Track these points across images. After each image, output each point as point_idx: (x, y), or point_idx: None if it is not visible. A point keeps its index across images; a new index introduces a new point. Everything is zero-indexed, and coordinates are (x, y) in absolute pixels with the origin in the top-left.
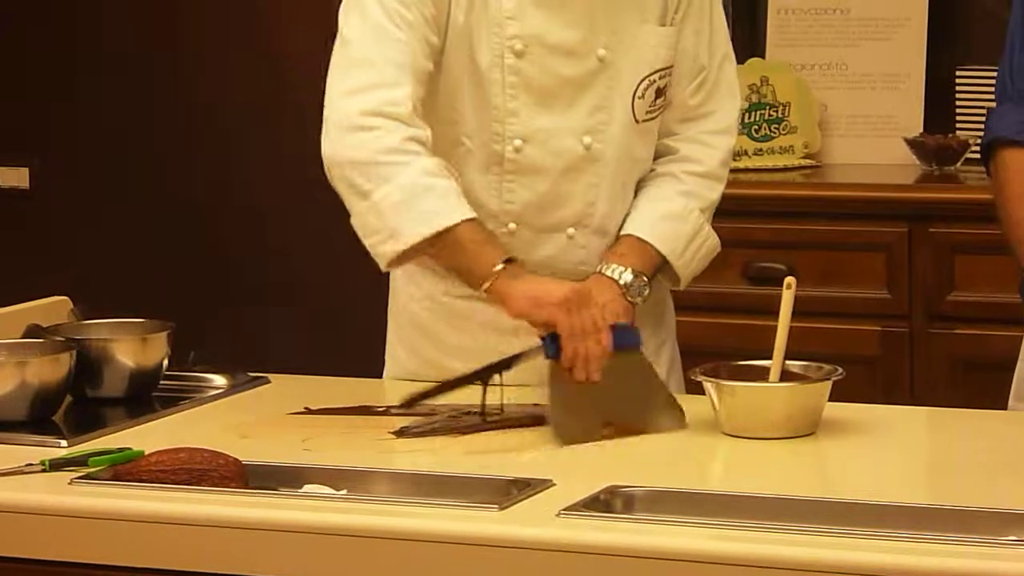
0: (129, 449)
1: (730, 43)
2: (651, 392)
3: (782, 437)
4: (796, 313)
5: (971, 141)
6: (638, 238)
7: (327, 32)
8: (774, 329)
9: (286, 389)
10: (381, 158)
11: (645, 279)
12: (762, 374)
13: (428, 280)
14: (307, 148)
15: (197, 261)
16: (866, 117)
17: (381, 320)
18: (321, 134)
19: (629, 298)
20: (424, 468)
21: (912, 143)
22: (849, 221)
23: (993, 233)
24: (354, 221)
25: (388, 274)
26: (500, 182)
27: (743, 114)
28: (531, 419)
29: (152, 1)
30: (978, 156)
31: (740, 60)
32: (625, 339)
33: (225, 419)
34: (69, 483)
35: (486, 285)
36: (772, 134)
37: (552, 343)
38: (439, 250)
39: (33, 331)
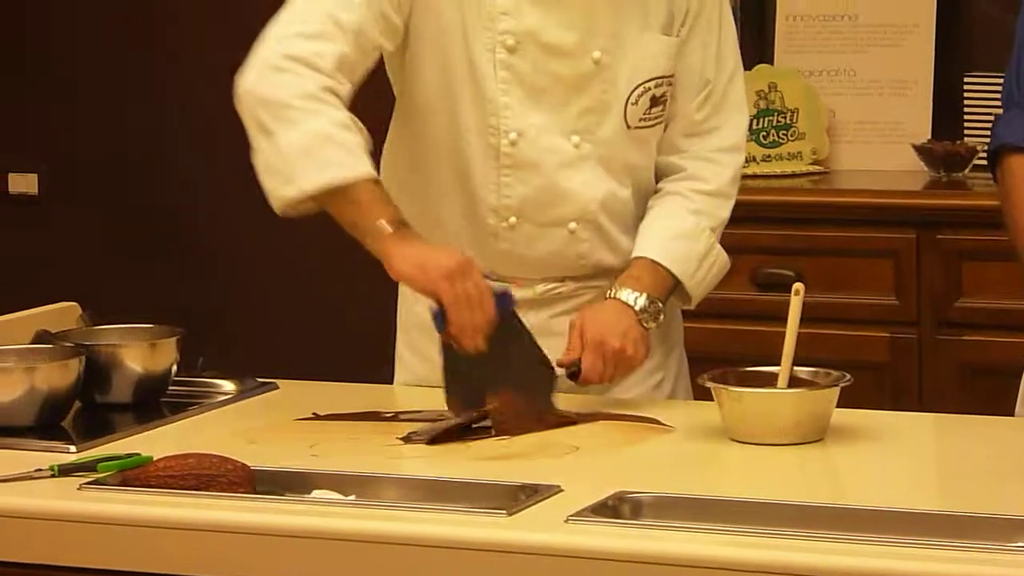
0: (138, 455)
1: (740, 58)
2: (530, 355)
3: (790, 443)
4: (804, 319)
5: (979, 147)
6: (651, 260)
7: None
8: (782, 335)
9: (294, 395)
10: (293, 101)
11: (660, 304)
12: (770, 380)
13: None
14: None
15: (206, 266)
16: (874, 123)
17: (388, 325)
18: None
19: (644, 324)
20: (432, 473)
21: (920, 149)
22: (857, 227)
23: (1001, 239)
24: (256, 159)
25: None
26: (498, 176)
27: (751, 121)
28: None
29: (158, 7)
30: (986, 162)
31: (748, 66)
32: (503, 304)
33: (233, 425)
34: (78, 488)
35: (372, 243)
36: (780, 140)
37: (440, 317)
38: (333, 202)
39: (42, 337)
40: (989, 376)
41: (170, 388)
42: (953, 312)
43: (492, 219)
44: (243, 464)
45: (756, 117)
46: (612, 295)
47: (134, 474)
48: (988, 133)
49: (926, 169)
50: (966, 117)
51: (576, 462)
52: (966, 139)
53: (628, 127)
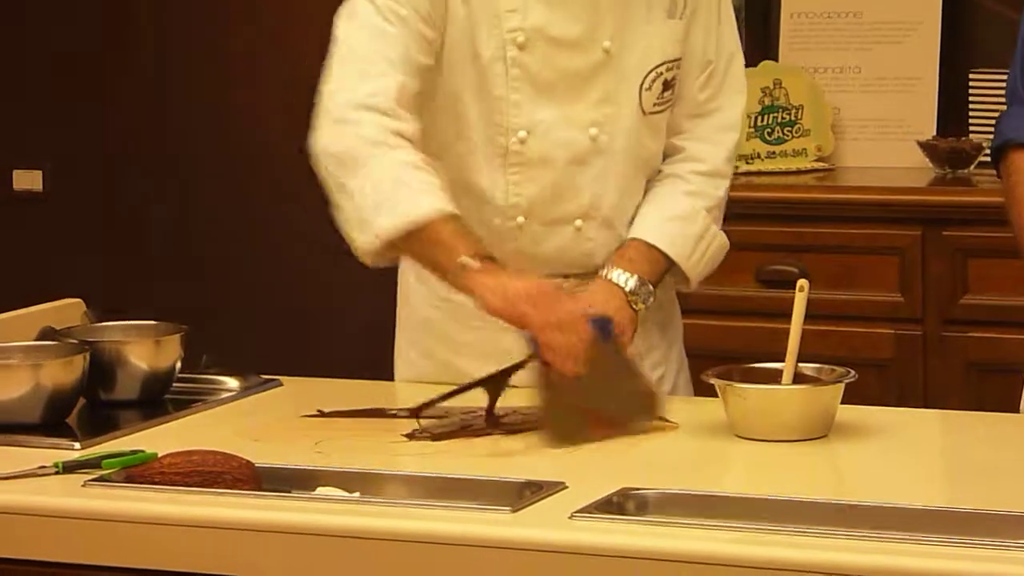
0: (142, 451)
1: (738, 39)
2: (632, 382)
3: (794, 440)
4: (809, 316)
5: (984, 144)
6: (645, 242)
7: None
8: (787, 332)
9: (298, 392)
10: (358, 150)
11: (650, 286)
12: (775, 377)
13: (437, 280)
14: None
15: (210, 263)
16: (879, 120)
17: (390, 322)
18: None
19: (634, 305)
20: (436, 471)
21: (925, 146)
22: (862, 224)
23: (1006, 236)
24: (336, 214)
25: (396, 278)
26: (505, 175)
27: (756, 117)
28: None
29: (162, 4)
30: (990, 159)
31: (753, 63)
32: (603, 328)
33: (238, 422)
34: (82, 485)
35: (456, 281)
36: (785, 137)
37: (534, 343)
38: (413, 244)
39: (47, 333)
40: (994, 373)
41: (174, 385)
42: (958, 309)
43: (498, 219)
44: (248, 461)
45: (761, 114)
46: (603, 275)
47: (138, 471)
48: (993, 130)
49: (931, 166)
50: (971, 114)
51: (580, 459)
52: (971, 136)
53: (644, 113)
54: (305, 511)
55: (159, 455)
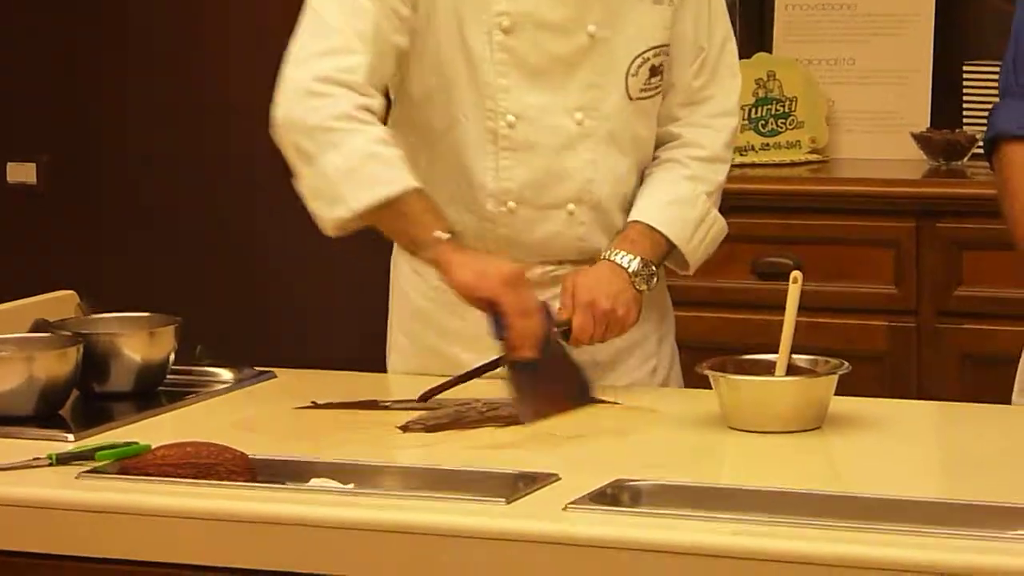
0: (136, 443)
1: (730, 25)
2: (571, 367)
3: (788, 431)
4: (803, 308)
5: (978, 136)
6: (646, 224)
7: None
8: (781, 324)
9: (292, 384)
10: (330, 124)
11: (653, 267)
12: (768, 368)
13: (428, 269)
14: None
15: (204, 256)
16: (873, 112)
17: (383, 314)
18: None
19: (636, 286)
20: (430, 462)
21: (919, 138)
22: (856, 216)
23: (1000, 228)
24: (299, 185)
25: (388, 267)
26: (496, 160)
27: (750, 109)
28: (536, 414)
29: None
30: (984, 152)
31: (747, 55)
32: (549, 315)
33: (231, 413)
34: (76, 477)
35: (429, 253)
36: (779, 129)
37: (497, 323)
38: (383, 218)
39: (40, 325)
40: (988, 365)
41: (168, 377)
42: (952, 301)
43: (491, 204)
44: (241, 453)
45: (755, 106)
46: (606, 257)
47: (132, 463)
48: (986, 122)
49: (925, 158)
50: (965, 106)
51: (574, 450)
52: (965, 128)
53: (631, 99)
54: (299, 503)
55: (153, 447)
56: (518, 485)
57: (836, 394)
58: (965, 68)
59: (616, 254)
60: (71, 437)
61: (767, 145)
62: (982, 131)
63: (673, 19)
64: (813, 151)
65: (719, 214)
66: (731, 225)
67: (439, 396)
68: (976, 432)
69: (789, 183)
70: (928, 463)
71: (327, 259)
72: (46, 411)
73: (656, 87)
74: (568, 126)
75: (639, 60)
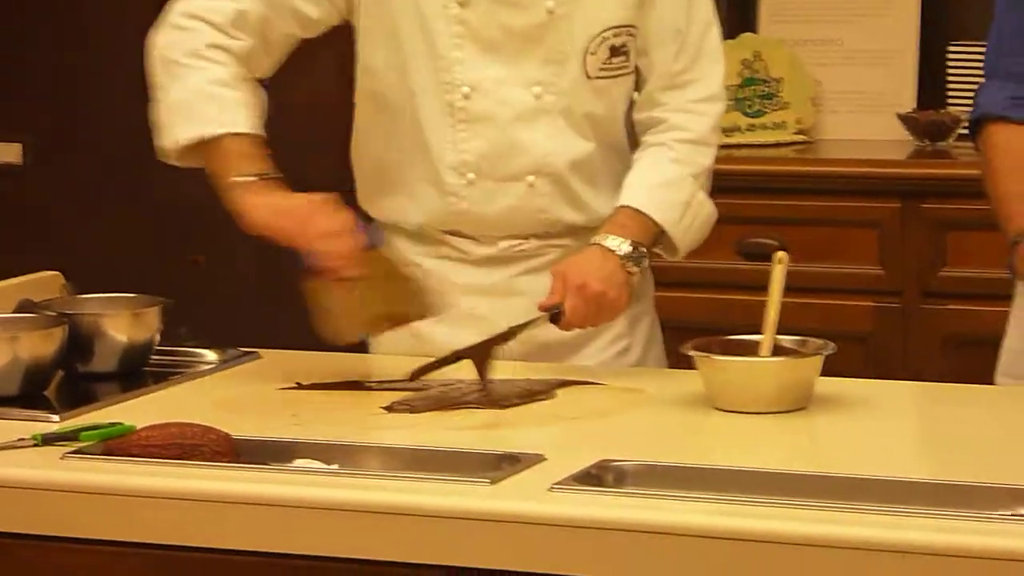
0: (120, 424)
1: (712, 9)
2: (404, 282)
3: (773, 412)
4: (789, 289)
5: (963, 117)
6: (635, 209)
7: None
8: (765, 304)
9: (276, 364)
10: (179, 58)
11: (643, 250)
12: (753, 349)
13: (403, 243)
14: (297, 122)
15: (188, 236)
16: (859, 93)
17: None
18: None
19: (627, 269)
20: (415, 443)
21: (904, 119)
22: (841, 197)
23: (985, 209)
24: (151, 111)
25: None
26: (454, 132)
27: (736, 90)
28: (522, 394)
29: None
30: (969, 132)
31: (733, 35)
32: (372, 235)
33: (216, 394)
34: (61, 458)
35: (229, 196)
36: (764, 110)
37: (297, 256)
38: (207, 156)
39: (25, 306)
40: (972, 345)
41: (152, 358)
42: (937, 281)
43: (451, 177)
44: (225, 434)
45: (740, 86)
46: (596, 242)
47: (117, 443)
48: (971, 102)
49: (911, 138)
50: (950, 86)
51: (559, 431)
52: (950, 108)
53: (588, 77)
54: (283, 483)
55: (137, 427)
56: (503, 466)
57: (821, 375)
58: (950, 49)
59: (606, 238)
60: (56, 417)
61: (753, 126)
62: (967, 112)
63: (641, 1)
64: (799, 132)
65: (708, 198)
66: (716, 205)
67: (425, 376)
68: (960, 412)
69: (774, 164)
70: (913, 443)
71: None
72: (31, 391)
73: (619, 68)
74: (525, 99)
75: (598, 39)
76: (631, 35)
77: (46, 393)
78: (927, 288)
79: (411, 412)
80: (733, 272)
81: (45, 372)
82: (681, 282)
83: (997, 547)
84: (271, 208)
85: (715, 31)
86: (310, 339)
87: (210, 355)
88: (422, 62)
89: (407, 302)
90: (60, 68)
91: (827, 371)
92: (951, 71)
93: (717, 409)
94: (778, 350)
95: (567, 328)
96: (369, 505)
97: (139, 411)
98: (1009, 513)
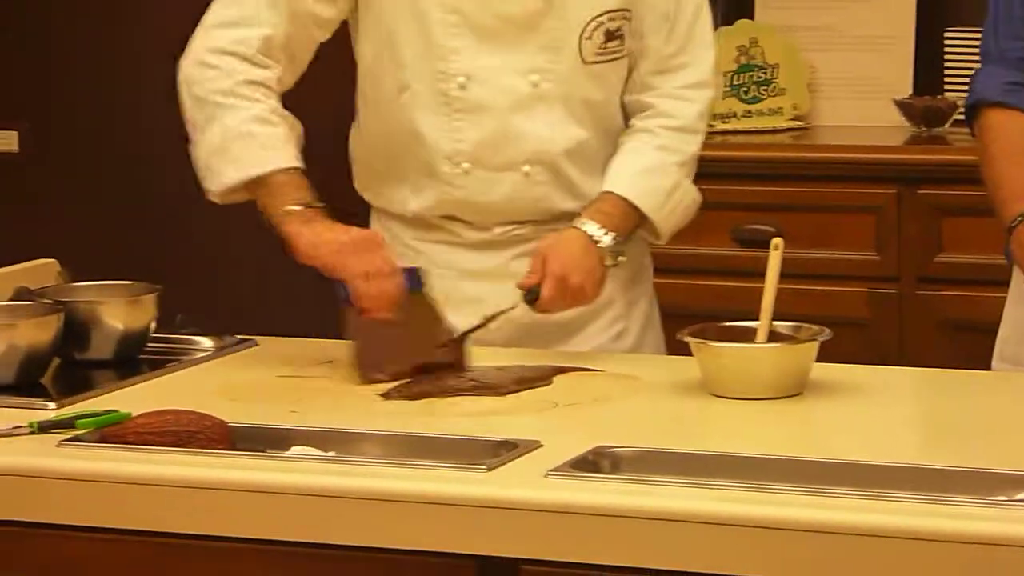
0: (116, 411)
1: None
2: (438, 329)
3: (769, 398)
4: (785, 275)
5: (959, 102)
6: (618, 195)
7: None
8: (762, 291)
9: (273, 351)
10: (215, 98)
11: (623, 245)
12: (750, 335)
13: (399, 228)
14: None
15: (185, 223)
16: (855, 79)
17: None
18: None
19: (604, 261)
20: (411, 430)
21: (901, 104)
22: (838, 183)
23: (981, 195)
24: (192, 150)
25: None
26: (449, 122)
27: (732, 76)
28: (518, 381)
29: None
30: (965, 118)
31: (729, 21)
32: (413, 281)
33: (212, 381)
34: (57, 445)
35: (280, 226)
36: (761, 96)
37: (344, 292)
38: (255, 194)
39: (21, 293)
40: (969, 331)
41: (149, 345)
42: (933, 267)
43: (446, 166)
44: (221, 421)
45: (737, 72)
46: (578, 226)
47: (112, 431)
48: (968, 88)
49: (907, 124)
50: (947, 72)
51: (555, 417)
52: (947, 94)
53: (584, 62)
54: (279, 470)
55: (133, 415)
56: (499, 452)
57: (817, 361)
58: (947, 34)
59: (589, 225)
60: (52, 405)
61: (749, 112)
62: (964, 97)
63: None
64: (795, 118)
65: (692, 185)
66: (712, 192)
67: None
68: (956, 398)
69: (771, 150)
70: (909, 429)
71: None
72: (27, 379)
73: (614, 52)
74: (521, 87)
75: (593, 24)
76: (626, 18)
77: (42, 381)
78: (923, 274)
79: (408, 399)
80: (729, 258)
81: (41, 360)
82: (677, 269)
83: (993, 532)
84: (316, 239)
85: (706, 16)
86: (306, 326)
87: (206, 342)
88: (417, 52)
89: (436, 351)
90: (55, 55)
91: (823, 357)
92: (948, 57)
93: (713, 395)
94: (774, 336)
95: (539, 311)
96: (366, 492)
97: (135, 398)
98: (1005, 498)
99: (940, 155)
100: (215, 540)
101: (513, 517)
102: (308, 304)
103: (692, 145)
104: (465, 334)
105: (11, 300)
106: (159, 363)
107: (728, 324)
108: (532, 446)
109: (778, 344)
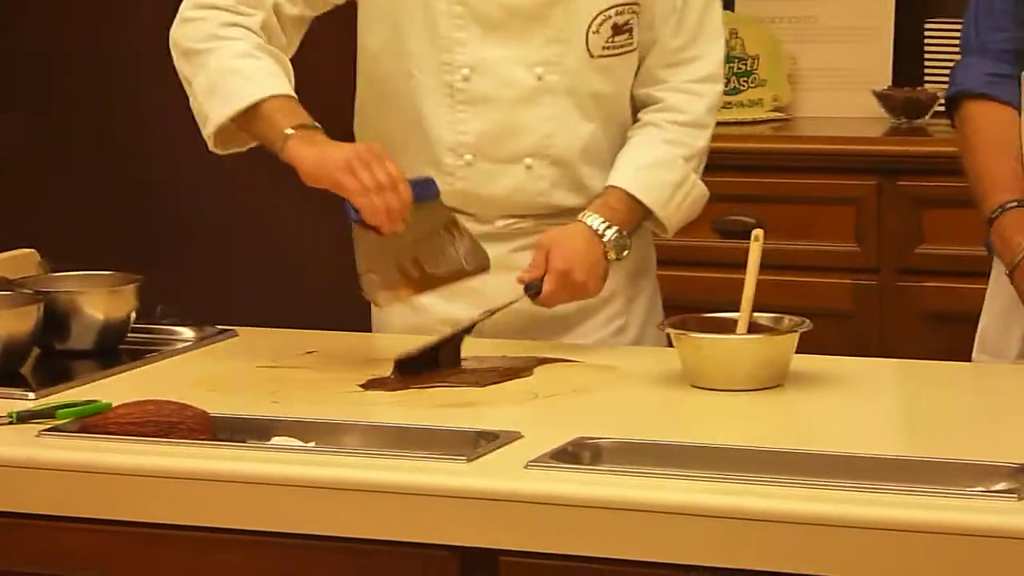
0: (97, 401)
1: None
2: (456, 238)
3: (750, 389)
4: (766, 267)
5: (939, 94)
6: (624, 191)
7: None
8: (742, 282)
9: (254, 342)
10: (197, 45)
11: (627, 240)
12: (730, 327)
13: None
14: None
15: (165, 213)
16: (835, 70)
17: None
18: None
19: (608, 255)
20: (392, 420)
21: (881, 96)
22: (818, 174)
23: (961, 186)
24: (191, 107)
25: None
26: (453, 113)
27: None
28: (499, 372)
29: None
30: (945, 109)
31: None
32: (425, 191)
33: (193, 372)
34: (37, 435)
35: (282, 153)
36: (741, 87)
37: (352, 208)
38: (250, 127)
39: (1, 284)
40: (949, 322)
41: (129, 335)
42: (914, 259)
43: (448, 158)
44: (203, 411)
45: None
46: (584, 220)
47: (93, 421)
48: (948, 79)
49: (887, 115)
50: (927, 63)
51: (536, 408)
52: (926, 85)
53: (591, 56)
54: (259, 460)
55: (114, 405)
56: (479, 443)
57: (798, 352)
58: (927, 26)
59: (594, 219)
60: (32, 395)
61: (729, 103)
62: (943, 89)
63: None
64: (775, 109)
65: (699, 179)
66: None
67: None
68: (937, 389)
69: (751, 141)
70: (890, 420)
71: (294, 216)
72: (7, 369)
73: (623, 46)
74: (527, 80)
75: (601, 17)
76: (635, 12)
77: (22, 371)
78: (904, 265)
79: (388, 390)
80: (710, 250)
81: (21, 350)
82: (659, 260)
83: (972, 523)
84: (319, 159)
85: (716, 10)
86: (287, 316)
87: (187, 333)
88: (422, 43)
89: (457, 260)
90: (33, 44)
91: (803, 348)
92: (928, 48)
93: (694, 386)
94: (754, 327)
95: (540, 305)
96: (346, 483)
97: (116, 389)
98: (984, 489)
99: (920, 146)
100: (196, 530)
101: (493, 508)
102: (289, 294)
103: (700, 139)
104: (466, 329)
105: None
106: (140, 353)
107: (709, 315)
108: (512, 437)
109: (758, 335)
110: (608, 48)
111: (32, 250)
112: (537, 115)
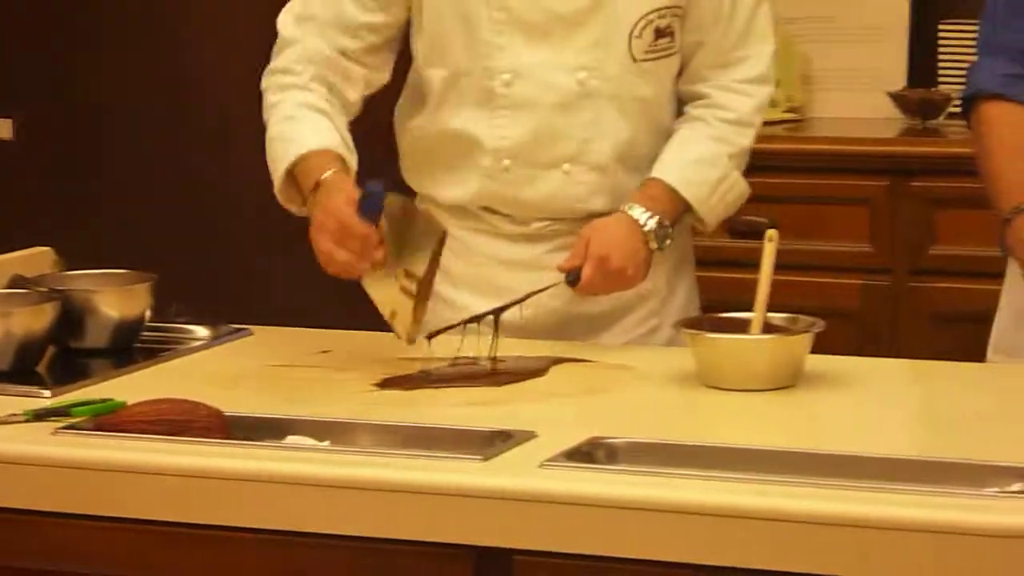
0: (111, 400)
1: None
2: (413, 220)
3: (763, 389)
4: (779, 267)
5: (953, 95)
6: (666, 183)
7: None
8: (756, 282)
9: (268, 341)
10: (265, 115)
11: (668, 228)
12: (744, 327)
13: (437, 214)
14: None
15: (180, 212)
16: (849, 71)
17: None
18: None
19: (650, 245)
20: (407, 420)
21: (895, 97)
22: (832, 175)
23: (975, 187)
24: None
25: None
26: (493, 118)
27: None
28: (515, 371)
29: None
30: (960, 110)
31: None
32: (371, 205)
33: (207, 370)
34: (52, 433)
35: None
36: None
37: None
38: (299, 184)
39: (16, 282)
40: (962, 323)
41: (144, 334)
42: (926, 259)
43: (487, 161)
44: (216, 410)
45: None
46: (625, 210)
47: (108, 419)
48: (963, 80)
49: (901, 116)
50: (941, 64)
51: (551, 408)
52: (941, 86)
53: (634, 60)
54: (274, 460)
55: (128, 403)
56: (495, 442)
57: (811, 352)
58: (941, 27)
59: (635, 208)
60: (47, 393)
61: None
62: (958, 90)
63: None
64: (789, 110)
65: (741, 176)
66: None
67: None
68: (950, 390)
69: (765, 142)
70: (902, 421)
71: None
72: (22, 367)
73: (665, 49)
74: (568, 85)
75: (643, 22)
76: (676, 15)
77: (38, 369)
78: (916, 266)
79: (403, 389)
80: (724, 250)
81: (37, 348)
82: None
83: (986, 524)
84: (312, 225)
85: (766, 10)
86: (302, 316)
87: (201, 331)
88: (462, 47)
89: (423, 245)
90: (51, 43)
91: (817, 348)
92: (942, 49)
93: (708, 386)
94: (768, 328)
95: (580, 294)
96: (361, 482)
97: (130, 387)
98: (998, 490)
99: (934, 147)
100: (210, 529)
101: (508, 507)
102: (303, 293)
103: (745, 139)
104: (504, 307)
105: (7, 288)
106: (154, 352)
107: (723, 315)
108: (527, 436)
109: (772, 335)
110: (650, 52)
111: (48, 249)
112: (577, 120)
